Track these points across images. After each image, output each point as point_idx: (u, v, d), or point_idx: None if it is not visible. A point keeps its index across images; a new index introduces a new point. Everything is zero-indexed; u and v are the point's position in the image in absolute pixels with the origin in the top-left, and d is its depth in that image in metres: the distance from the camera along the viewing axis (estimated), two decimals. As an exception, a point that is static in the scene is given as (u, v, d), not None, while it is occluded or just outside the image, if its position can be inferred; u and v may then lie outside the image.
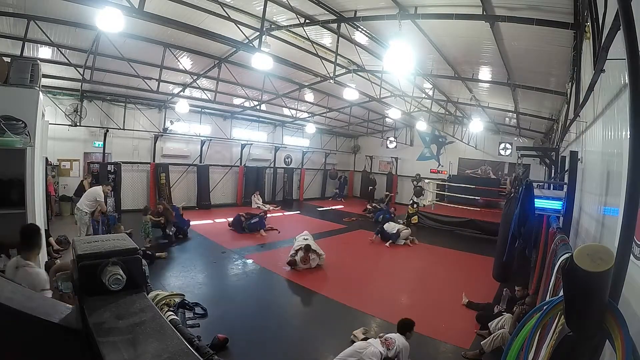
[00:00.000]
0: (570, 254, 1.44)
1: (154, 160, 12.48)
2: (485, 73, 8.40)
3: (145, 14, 4.56)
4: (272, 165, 16.84)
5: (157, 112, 12.54)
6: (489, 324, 4.49)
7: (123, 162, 11.35)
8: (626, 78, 1.95)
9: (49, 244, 6.10)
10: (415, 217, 12.96)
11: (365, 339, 3.91)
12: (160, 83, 9.20)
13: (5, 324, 0.66)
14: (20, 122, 3.61)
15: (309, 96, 12.82)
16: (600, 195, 3.17)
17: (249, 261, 7.37)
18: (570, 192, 4.54)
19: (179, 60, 8.69)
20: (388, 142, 19.45)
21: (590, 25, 3.01)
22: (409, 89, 10.54)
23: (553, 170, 8.17)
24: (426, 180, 16.44)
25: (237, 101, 12.67)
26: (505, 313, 4.63)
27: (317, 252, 7.05)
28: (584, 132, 4.65)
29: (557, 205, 5.09)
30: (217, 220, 10.33)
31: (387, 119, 16.62)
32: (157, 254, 6.99)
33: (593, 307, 1.29)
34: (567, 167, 5.70)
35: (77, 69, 7.64)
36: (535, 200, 4.88)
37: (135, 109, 11.91)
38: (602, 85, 3.14)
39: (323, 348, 4.31)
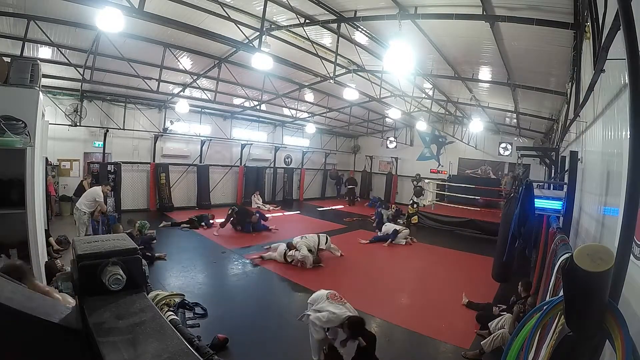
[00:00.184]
0: (570, 254, 1.44)
1: (154, 160, 12.48)
2: (485, 73, 8.40)
3: (145, 14, 4.56)
4: (272, 165, 16.83)
5: (157, 112, 12.54)
6: (489, 324, 4.49)
7: (123, 162, 11.35)
8: (626, 78, 1.95)
9: (49, 244, 6.11)
10: (415, 217, 12.97)
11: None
12: (160, 83, 9.20)
13: (5, 324, 0.65)
14: (20, 122, 3.61)
15: (309, 96, 12.82)
16: (600, 195, 3.17)
17: (249, 261, 7.37)
18: (570, 192, 4.54)
19: (179, 60, 8.69)
20: (388, 142, 19.45)
21: (590, 25, 3.01)
22: (409, 89, 10.54)
23: (553, 170, 8.17)
24: (426, 180, 16.44)
25: (237, 101, 12.67)
26: (505, 313, 4.63)
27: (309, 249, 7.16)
28: (584, 132, 4.65)
29: (557, 205, 5.09)
30: (218, 220, 10.32)
31: (387, 119, 16.62)
32: (157, 254, 6.99)
33: (593, 307, 1.29)
34: (567, 167, 5.70)
35: (77, 69, 7.64)
36: (535, 200, 4.88)
37: (135, 109, 11.91)
38: (602, 85, 3.14)
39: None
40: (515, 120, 13.12)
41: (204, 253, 7.88)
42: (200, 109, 13.21)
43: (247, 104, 12.71)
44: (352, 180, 19.34)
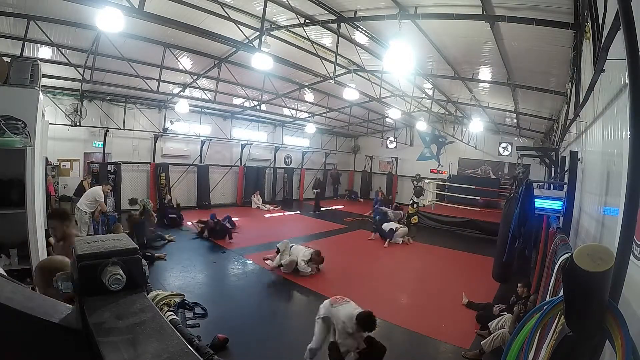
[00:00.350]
0: (570, 254, 1.44)
1: (154, 160, 12.48)
2: (485, 73, 8.40)
3: (145, 14, 4.56)
4: (272, 165, 16.84)
5: (157, 112, 12.54)
6: (489, 324, 4.49)
7: (123, 162, 11.36)
8: (626, 78, 1.95)
9: (49, 244, 6.10)
10: (415, 217, 12.95)
11: None
12: (160, 83, 9.20)
13: (5, 324, 0.66)
14: (20, 122, 3.60)
15: (309, 96, 12.83)
16: (600, 195, 3.17)
17: (249, 261, 7.37)
18: (570, 192, 4.54)
19: (179, 60, 8.69)
20: (388, 142, 19.46)
21: (590, 25, 3.01)
22: (409, 89, 10.54)
23: (553, 170, 8.17)
24: (426, 180, 16.44)
25: (237, 101, 12.67)
26: (505, 313, 4.63)
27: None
28: (584, 132, 4.65)
29: (557, 205, 5.09)
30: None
31: (387, 119, 16.62)
32: (157, 254, 7.00)
33: (593, 307, 1.29)
34: (567, 167, 5.71)
35: (77, 69, 7.64)
36: (535, 200, 4.88)
37: (135, 109, 11.91)
38: (602, 85, 3.14)
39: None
40: (515, 120, 13.12)
41: (204, 253, 7.88)
42: (200, 109, 13.21)
43: (247, 104, 12.71)
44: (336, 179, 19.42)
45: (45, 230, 4.58)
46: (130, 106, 11.65)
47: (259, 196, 15.06)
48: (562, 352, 1.44)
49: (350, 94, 9.18)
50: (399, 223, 10.72)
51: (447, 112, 12.90)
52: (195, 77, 9.59)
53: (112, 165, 11.05)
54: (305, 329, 4.31)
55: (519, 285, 4.86)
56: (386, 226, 10.00)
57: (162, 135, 12.57)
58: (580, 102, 3.84)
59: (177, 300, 4.81)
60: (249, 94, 11.68)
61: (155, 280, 5.75)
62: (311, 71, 7.91)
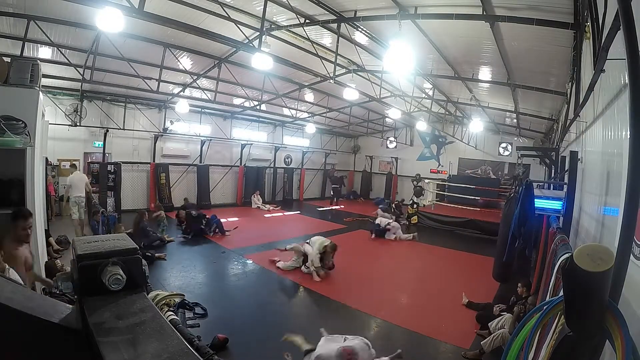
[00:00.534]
0: (570, 254, 1.44)
1: (154, 160, 12.48)
2: (485, 73, 8.40)
3: (145, 14, 4.56)
4: (272, 165, 16.83)
5: (157, 112, 12.54)
6: (489, 324, 4.49)
7: (123, 162, 11.36)
8: (626, 78, 1.95)
9: (49, 244, 6.11)
10: (415, 217, 12.97)
11: (309, 350, 3.33)
12: (160, 83, 9.21)
13: (5, 324, 0.66)
14: (20, 122, 3.61)
15: (309, 96, 12.83)
16: (600, 195, 3.18)
17: (249, 261, 7.37)
18: (570, 192, 4.54)
19: (179, 60, 8.69)
20: (388, 142, 19.46)
21: (590, 25, 3.02)
22: (409, 89, 10.54)
23: (553, 170, 8.17)
24: (426, 180, 16.43)
25: (237, 101, 12.67)
26: (505, 313, 4.63)
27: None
28: (584, 132, 4.65)
29: (557, 205, 5.09)
30: (217, 220, 10.34)
31: (387, 119, 16.62)
32: (156, 254, 6.99)
33: (593, 307, 1.29)
34: (567, 167, 5.71)
35: (77, 69, 7.64)
36: (535, 200, 4.88)
37: (135, 109, 11.91)
38: (602, 85, 3.14)
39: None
40: (515, 120, 13.13)
41: (204, 253, 7.88)
42: (200, 109, 13.21)
43: (247, 104, 12.72)
44: (337, 179, 19.25)
45: (45, 230, 4.58)
46: (130, 106, 11.65)
47: (259, 196, 15.06)
48: (562, 352, 1.44)
49: (350, 94, 9.18)
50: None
51: (447, 112, 12.90)
52: (195, 77, 9.59)
53: (112, 165, 11.06)
54: (306, 329, 4.31)
55: (519, 285, 4.86)
56: (382, 223, 10.17)
57: (162, 135, 12.57)
58: (580, 102, 3.84)
59: (177, 300, 4.80)
60: (249, 94, 11.68)
61: (155, 280, 5.75)
62: (311, 71, 7.91)
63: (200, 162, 13.91)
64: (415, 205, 13.71)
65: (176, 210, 10.99)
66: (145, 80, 8.74)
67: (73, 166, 8.31)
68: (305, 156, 18.42)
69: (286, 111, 13.92)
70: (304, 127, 16.00)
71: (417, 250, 9.43)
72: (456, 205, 13.82)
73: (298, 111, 14.21)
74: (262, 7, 5.71)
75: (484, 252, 8.72)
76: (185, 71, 9.28)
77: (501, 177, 15.80)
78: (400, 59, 5.37)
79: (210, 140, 14.05)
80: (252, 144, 15.49)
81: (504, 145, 16.09)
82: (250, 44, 6.16)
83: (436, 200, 15.10)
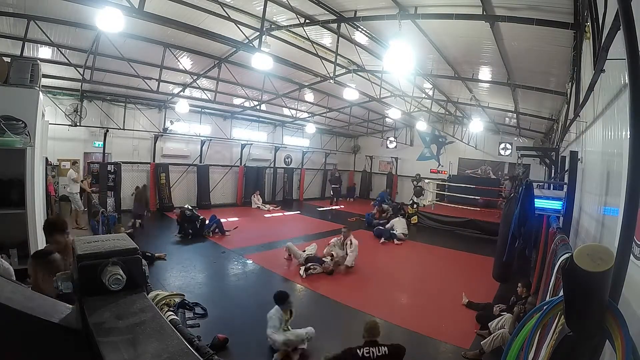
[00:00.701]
0: (570, 254, 1.44)
1: (154, 160, 12.48)
2: (485, 73, 8.40)
3: (145, 14, 4.56)
4: (272, 165, 16.83)
5: (157, 112, 12.54)
6: (489, 324, 4.49)
7: (123, 162, 11.35)
8: (626, 78, 1.95)
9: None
10: (415, 217, 12.97)
11: None
12: (160, 83, 9.20)
13: (5, 324, 0.66)
14: (20, 122, 3.61)
15: (309, 96, 12.82)
16: (600, 195, 3.17)
17: (249, 261, 7.37)
18: (570, 192, 4.54)
19: (179, 60, 8.69)
20: (388, 142, 19.46)
21: (590, 25, 3.01)
22: (409, 89, 10.54)
23: (553, 170, 8.17)
24: (426, 180, 16.43)
25: (237, 101, 12.67)
26: (505, 313, 4.63)
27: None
28: (584, 132, 4.65)
29: (557, 205, 5.09)
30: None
31: (387, 119, 16.62)
32: (156, 254, 6.99)
33: (593, 307, 1.29)
34: (567, 167, 5.71)
35: (77, 69, 7.64)
36: (535, 200, 4.88)
37: (135, 109, 11.91)
38: (602, 85, 3.14)
39: (323, 348, 4.30)
40: (515, 120, 13.12)
41: (204, 253, 7.88)
42: (200, 109, 13.21)
43: (247, 104, 12.71)
44: (337, 178, 19.33)
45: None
46: (130, 106, 11.65)
47: (259, 196, 15.06)
48: (562, 352, 1.44)
49: (350, 94, 9.18)
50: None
51: (447, 112, 12.90)
52: (195, 77, 9.59)
53: (112, 165, 11.05)
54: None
55: (519, 285, 4.86)
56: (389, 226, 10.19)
57: (162, 135, 12.57)
58: (580, 102, 3.84)
59: (177, 300, 4.80)
60: (249, 94, 11.68)
61: (155, 280, 5.74)
62: (311, 71, 7.91)
63: (200, 162, 13.91)
64: (415, 205, 13.71)
65: (176, 210, 11.04)
66: (145, 80, 8.74)
67: (72, 165, 8.79)
68: (305, 156, 18.42)
69: (286, 111, 13.92)
70: (304, 127, 16.00)
71: (417, 250, 9.43)
72: (456, 205, 13.83)
73: (298, 111, 14.20)
74: (262, 7, 5.71)
75: (484, 252, 8.72)
76: (185, 71, 9.28)
77: (501, 177, 15.80)
78: (400, 59, 5.36)
79: (210, 140, 14.05)
80: (252, 144, 15.49)
81: (504, 145, 16.09)
82: (250, 44, 6.16)
83: (436, 200, 15.10)
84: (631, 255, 1.46)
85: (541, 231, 5.53)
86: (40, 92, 4.11)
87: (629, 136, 1.45)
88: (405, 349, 3.42)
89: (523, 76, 7.59)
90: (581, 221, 4.35)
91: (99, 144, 11.22)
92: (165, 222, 10.99)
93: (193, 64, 9.27)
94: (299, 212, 14.72)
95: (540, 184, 6.80)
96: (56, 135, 9.82)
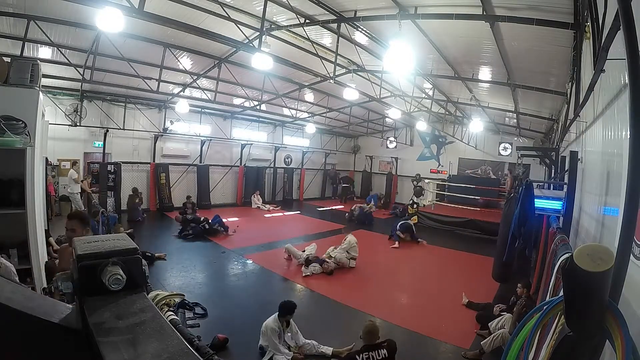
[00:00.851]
0: (570, 254, 1.44)
1: (154, 160, 12.48)
2: (485, 73, 8.40)
3: (145, 14, 4.56)
4: (272, 165, 16.84)
5: (157, 112, 12.54)
6: (489, 324, 4.49)
7: (123, 162, 11.36)
8: (626, 78, 1.95)
9: (49, 244, 6.10)
10: (415, 217, 12.97)
11: None
12: (160, 83, 9.20)
13: (5, 324, 0.66)
14: (20, 122, 3.60)
15: (309, 96, 12.82)
16: (600, 195, 3.17)
17: (249, 261, 7.37)
18: (570, 192, 4.54)
19: (179, 60, 8.69)
20: (388, 142, 19.45)
21: (590, 25, 3.01)
22: (409, 89, 10.53)
23: (553, 170, 8.17)
24: (426, 180, 16.44)
25: (237, 101, 12.67)
26: (505, 313, 4.63)
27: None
28: (584, 132, 4.65)
29: (557, 205, 5.09)
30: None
31: (387, 119, 16.62)
32: (156, 254, 6.99)
33: (593, 307, 1.29)
34: (567, 167, 5.71)
35: (77, 69, 7.64)
36: (535, 200, 4.88)
37: (135, 109, 11.91)
38: (602, 85, 3.14)
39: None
40: (515, 120, 13.12)
41: (204, 253, 7.88)
42: (200, 109, 13.21)
43: (247, 104, 12.71)
44: (348, 179, 19.51)
45: (45, 230, 4.58)
46: (130, 106, 11.65)
47: (259, 196, 15.06)
48: (562, 352, 1.44)
49: (350, 94, 9.18)
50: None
51: (447, 112, 12.89)
52: (195, 77, 9.59)
53: (112, 165, 11.05)
54: (306, 329, 4.31)
55: (519, 285, 4.86)
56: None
57: (162, 135, 12.57)
58: (580, 102, 3.84)
59: (177, 300, 4.81)
60: (249, 94, 11.68)
61: (155, 280, 5.75)
62: (311, 71, 7.91)
63: (200, 162, 13.91)
64: (415, 205, 13.71)
65: (177, 210, 11.09)
66: (145, 80, 8.74)
67: (73, 165, 8.95)
68: (305, 156, 18.42)
69: (286, 111, 13.92)
70: (304, 127, 16.00)
71: (417, 250, 9.43)
72: (456, 205, 13.83)
73: (298, 111, 14.20)
74: (262, 7, 5.71)
75: (484, 252, 8.72)
76: (185, 71, 9.28)
77: (501, 177, 15.80)
78: (400, 59, 5.36)
79: (210, 140, 14.05)
80: (252, 144, 15.49)
81: (504, 145, 16.08)
82: (250, 44, 6.16)
83: (436, 200, 15.10)
84: (631, 255, 1.46)
85: (541, 231, 5.53)
86: (40, 92, 4.11)
87: (629, 136, 1.45)
88: (395, 342, 3.41)
89: (523, 76, 7.59)
90: (581, 221, 4.35)
91: (99, 144, 11.22)
92: (165, 222, 10.99)
93: (193, 64, 9.27)
94: (299, 212, 14.73)
95: (540, 184, 6.80)
96: (56, 135, 9.83)
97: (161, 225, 10.60)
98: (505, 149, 16.06)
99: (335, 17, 6.35)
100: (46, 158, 7.53)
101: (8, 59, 4.21)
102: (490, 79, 8.58)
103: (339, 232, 11.02)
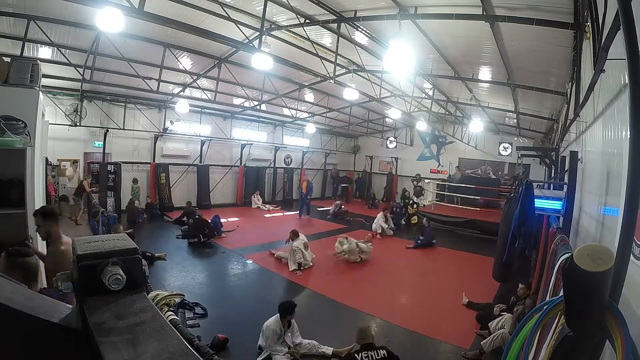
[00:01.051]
0: (570, 254, 1.44)
1: (154, 160, 12.48)
2: (485, 73, 8.40)
3: (145, 14, 4.56)
4: (272, 165, 16.83)
5: (157, 112, 12.54)
6: (489, 324, 4.49)
7: (123, 162, 11.35)
8: (626, 78, 1.95)
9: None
10: (415, 217, 12.97)
11: None
12: (160, 83, 9.20)
13: (5, 324, 0.66)
14: (20, 122, 3.61)
15: (309, 96, 12.83)
16: (600, 195, 3.17)
17: (249, 261, 7.37)
18: (570, 192, 4.54)
19: (179, 60, 8.69)
20: (388, 142, 19.45)
21: (590, 25, 3.01)
22: (409, 89, 10.54)
23: (553, 170, 8.17)
24: (426, 180, 16.43)
25: (237, 101, 12.67)
26: (505, 313, 4.63)
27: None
28: (584, 132, 4.65)
29: (557, 205, 5.09)
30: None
31: (387, 119, 16.62)
32: (156, 254, 7.00)
33: (593, 307, 1.29)
34: (567, 167, 5.71)
35: (77, 69, 7.64)
36: (535, 200, 4.87)
37: (135, 109, 11.91)
38: (602, 85, 3.14)
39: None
40: (515, 120, 13.12)
41: (204, 253, 7.88)
42: (200, 109, 13.21)
43: (247, 104, 12.71)
44: (347, 179, 19.52)
45: (45, 230, 4.56)
46: (130, 106, 11.65)
47: (259, 196, 15.06)
48: (562, 352, 1.44)
49: (350, 94, 9.18)
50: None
51: (447, 112, 12.89)
52: (195, 77, 9.59)
53: (112, 165, 11.05)
54: (306, 329, 4.31)
55: (519, 287, 4.87)
56: None
57: (162, 135, 12.57)
58: (580, 102, 3.84)
59: (177, 300, 4.81)
60: (249, 94, 11.68)
61: (155, 280, 5.75)
62: (311, 71, 7.91)
63: (200, 162, 13.91)
64: (415, 205, 13.71)
65: (177, 211, 11.07)
66: (145, 80, 8.74)
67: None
68: (305, 156, 18.42)
69: (286, 111, 13.92)
70: (304, 127, 16.00)
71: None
72: (456, 205, 13.82)
73: (298, 111, 14.20)
74: (262, 7, 5.71)
75: (484, 252, 8.72)
76: (185, 71, 9.28)
77: (501, 177, 15.80)
78: (400, 59, 5.36)
79: (210, 140, 14.05)
80: (252, 144, 15.49)
81: (504, 145, 16.08)
82: (250, 44, 6.16)
83: (436, 200, 15.10)
84: (631, 255, 1.46)
85: (541, 231, 5.53)
86: (40, 92, 4.11)
87: (629, 136, 1.45)
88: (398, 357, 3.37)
89: (523, 76, 7.59)
90: (581, 221, 4.35)
91: (99, 144, 11.22)
92: (165, 222, 10.99)
93: (193, 64, 9.27)
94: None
95: (540, 184, 6.80)
96: (56, 135, 9.82)
97: (161, 226, 10.60)
98: (505, 149, 16.07)
99: (335, 17, 6.35)
100: (46, 158, 7.54)
101: (8, 59, 4.21)
102: (490, 79, 8.58)
103: (339, 232, 11.01)
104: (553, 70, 6.81)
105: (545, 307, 1.67)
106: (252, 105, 12.58)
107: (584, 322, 1.33)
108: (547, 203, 5.21)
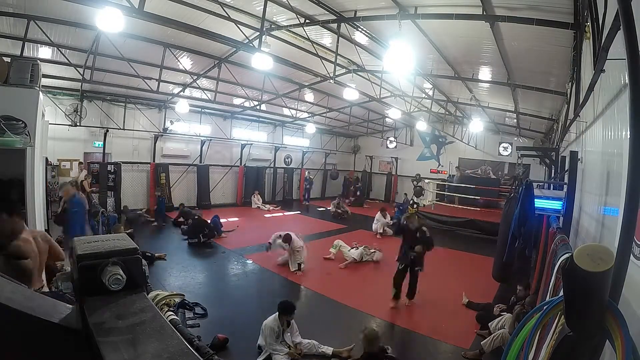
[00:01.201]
0: (570, 254, 1.44)
1: (154, 160, 12.48)
2: (485, 73, 8.40)
3: (145, 14, 4.56)
4: (272, 165, 16.83)
5: (157, 112, 12.54)
6: (489, 324, 4.49)
7: (123, 162, 11.35)
8: (626, 78, 1.95)
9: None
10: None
11: None
12: (160, 83, 9.20)
13: (5, 324, 0.65)
14: (20, 122, 3.62)
15: (309, 96, 12.83)
16: (600, 195, 3.18)
17: (249, 261, 7.37)
18: (570, 192, 4.54)
19: (179, 60, 8.69)
20: (388, 142, 19.45)
21: (590, 25, 3.02)
22: (409, 89, 10.54)
23: (553, 170, 8.17)
24: (426, 180, 16.43)
25: (237, 101, 12.67)
26: (505, 313, 4.63)
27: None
28: (584, 132, 4.66)
29: (557, 205, 5.09)
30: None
31: (387, 119, 16.62)
32: (156, 254, 6.99)
33: (593, 307, 1.29)
34: (567, 167, 5.71)
35: (77, 69, 7.64)
36: (535, 200, 4.88)
37: (135, 109, 11.91)
38: (602, 85, 3.14)
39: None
40: (515, 120, 13.12)
41: (204, 253, 7.88)
42: (200, 109, 13.20)
43: (247, 104, 12.71)
44: (357, 180, 19.46)
45: (45, 229, 4.58)
46: (130, 106, 11.65)
47: (259, 196, 15.06)
48: (562, 352, 1.44)
49: (350, 94, 9.18)
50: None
51: (447, 112, 12.89)
52: (195, 77, 9.59)
53: (112, 165, 11.05)
54: (306, 329, 4.31)
55: (518, 289, 4.87)
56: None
57: (162, 135, 12.56)
58: (580, 102, 3.84)
59: (177, 300, 4.81)
60: (249, 94, 11.68)
61: (155, 280, 5.75)
62: (311, 71, 7.91)
63: (200, 162, 13.91)
64: (415, 205, 13.70)
65: (177, 211, 11.07)
66: (145, 80, 8.74)
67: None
68: (305, 156, 18.42)
69: (286, 111, 13.92)
70: (304, 127, 16.00)
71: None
72: (456, 205, 13.81)
73: (298, 111, 14.20)
74: (262, 7, 5.71)
75: (484, 252, 8.72)
76: (185, 71, 9.28)
77: (501, 177, 15.80)
78: (400, 59, 5.36)
79: (210, 140, 14.04)
80: (252, 144, 15.49)
81: (504, 145, 16.09)
82: (250, 44, 6.16)
83: (436, 200, 15.10)
84: (631, 255, 1.46)
85: (541, 231, 5.53)
86: (40, 92, 4.13)
87: (629, 136, 1.45)
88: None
89: (523, 76, 7.59)
90: (581, 221, 4.35)
91: (99, 144, 11.21)
92: (165, 222, 10.98)
93: (193, 64, 9.27)
94: (299, 212, 14.73)
95: (540, 184, 6.80)
96: (56, 135, 9.81)
97: (161, 226, 10.59)
98: (505, 149, 16.07)
99: (335, 17, 6.35)
100: (46, 158, 7.55)
101: (8, 59, 4.23)
102: (490, 79, 8.58)
103: (339, 231, 11.02)
104: (553, 70, 6.82)
105: (545, 307, 1.67)
106: (252, 105, 12.58)
107: (584, 322, 1.33)
108: (547, 203, 5.21)
